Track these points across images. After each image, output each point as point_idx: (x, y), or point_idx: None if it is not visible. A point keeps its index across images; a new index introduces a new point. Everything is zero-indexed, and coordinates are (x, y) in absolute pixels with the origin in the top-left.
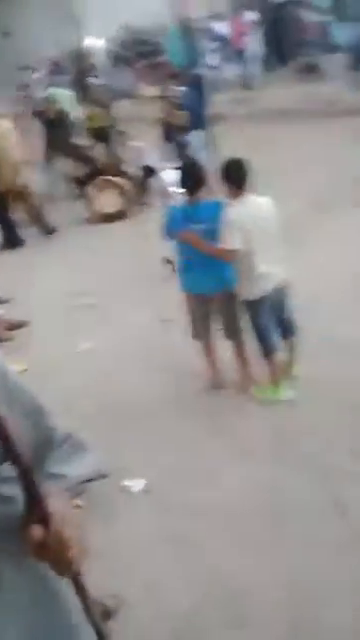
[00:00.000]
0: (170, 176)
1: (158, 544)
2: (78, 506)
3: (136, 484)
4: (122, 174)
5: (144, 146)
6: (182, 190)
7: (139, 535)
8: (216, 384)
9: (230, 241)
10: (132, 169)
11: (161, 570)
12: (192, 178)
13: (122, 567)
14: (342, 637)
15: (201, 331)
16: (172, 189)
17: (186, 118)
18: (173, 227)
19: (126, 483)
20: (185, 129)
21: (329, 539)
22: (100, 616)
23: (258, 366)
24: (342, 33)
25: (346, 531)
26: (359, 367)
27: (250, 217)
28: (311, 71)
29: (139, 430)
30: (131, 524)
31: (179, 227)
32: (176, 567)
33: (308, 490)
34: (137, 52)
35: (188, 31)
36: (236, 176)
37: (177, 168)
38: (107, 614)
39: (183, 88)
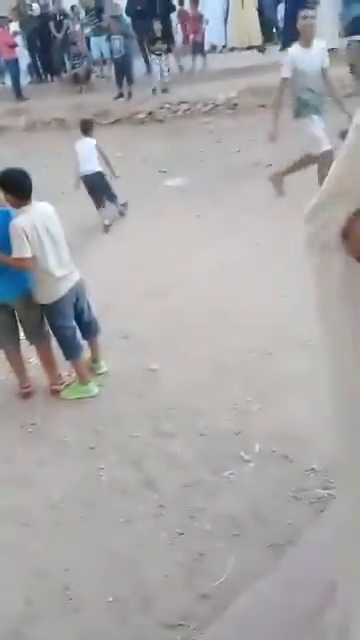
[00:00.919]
0: None
1: None
2: None
3: None
4: None
5: None
6: None
7: None
8: (25, 392)
9: (23, 250)
10: None
11: None
12: None
13: None
14: (166, 600)
15: (3, 339)
16: None
17: None
18: None
19: None
20: None
21: (142, 513)
22: None
23: (65, 368)
24: (100, 46)
25: (156, 502)
26: (149, 360)
27: (38, 224)
28: (80, 82)
29: None
30: None
31: None
32: (2, 575)
33: (120, 473)
34: None
35: None
36: (19, 185)
37: None
38: None
39: None
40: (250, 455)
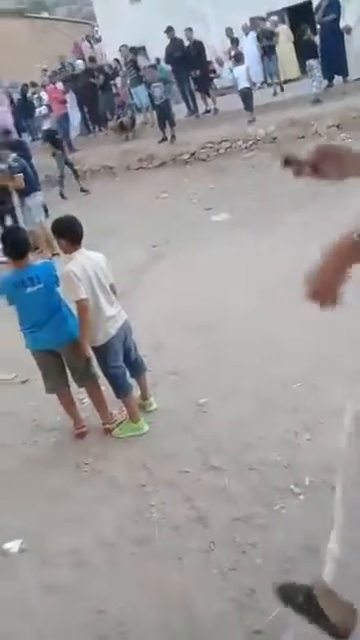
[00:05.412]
0: None
1: (42, 596)
2: None
3: (14, 545)
4: None
5: None
6: (7, 257)
7: (23, 592)
8: (79, 432)
9: (79, 292)
10: None
11: (47, 620)
12: (15, 244)
13: (12, 624)
14: (218, 638)
15: (54, 384)
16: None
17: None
18: (10, 294)
19: (5, 546)
20: (23, 192)
21: (193, 548)
22: None
23: (116, 406)
24: (140, 95)
25: (207, 538)
26: (197, 395)
27: (88, 267)
28: (126, 130)
29: (9, 491)
30: (15, 583)
31: (15, 293)
32: (60, 614)
33: (171, 510)
34: None
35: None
36: (72, 231)
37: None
38: None
39: (15, 155)
40: (300, 488)
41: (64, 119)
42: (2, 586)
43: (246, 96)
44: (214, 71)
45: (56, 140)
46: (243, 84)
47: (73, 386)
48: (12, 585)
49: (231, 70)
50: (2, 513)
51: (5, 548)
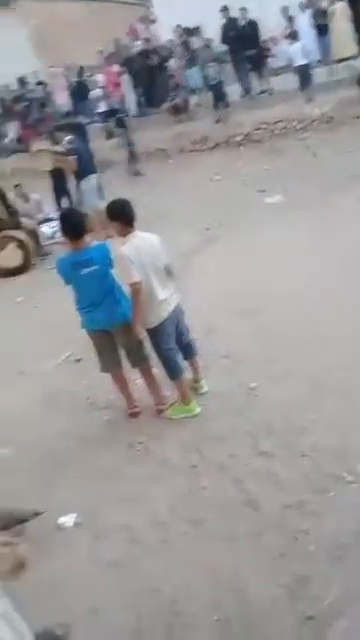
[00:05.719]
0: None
1: (96, 571)
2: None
3: (69, 520)
4: (19, 227)
5: (41, 198)
6: (64, 238)
7: (78, 566)
8: (132, 412)
9: (132, 275)
10: (30, 221)
11: (101, 595)
12: (73, 226)
13: (67, 597)
14: (269, 621)
15: (108, 364)
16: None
17: (77, 163)
18: (66, 274)
19: (60, 520)
20: (77, 174)
21: (244, 532)
22: None
23: (168, 388)
24: (193, 77)
25: (258, 522)
26: (249, 378)
27: (142, 250)
28: (180, 112)
29: (63, 468)
30: (70, 557)
31: (72, 273)
32: (115, 590)
33: (221, 492)
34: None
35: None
36: (125, 215)
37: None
38: None
39: (70, 137)
40: (353, 475)
41: (120, 101)
42: (57, 559)
43: (303, 73)
44: (268, 50)
45: (120, 119)
46: (299, 61)
47: (126, 366)
48: (67, 558)
49: (287, 48)
50: (56, 489)
51: (60, 522)
